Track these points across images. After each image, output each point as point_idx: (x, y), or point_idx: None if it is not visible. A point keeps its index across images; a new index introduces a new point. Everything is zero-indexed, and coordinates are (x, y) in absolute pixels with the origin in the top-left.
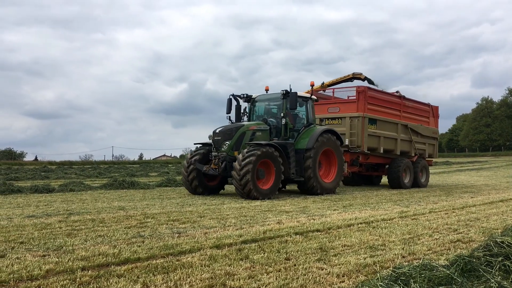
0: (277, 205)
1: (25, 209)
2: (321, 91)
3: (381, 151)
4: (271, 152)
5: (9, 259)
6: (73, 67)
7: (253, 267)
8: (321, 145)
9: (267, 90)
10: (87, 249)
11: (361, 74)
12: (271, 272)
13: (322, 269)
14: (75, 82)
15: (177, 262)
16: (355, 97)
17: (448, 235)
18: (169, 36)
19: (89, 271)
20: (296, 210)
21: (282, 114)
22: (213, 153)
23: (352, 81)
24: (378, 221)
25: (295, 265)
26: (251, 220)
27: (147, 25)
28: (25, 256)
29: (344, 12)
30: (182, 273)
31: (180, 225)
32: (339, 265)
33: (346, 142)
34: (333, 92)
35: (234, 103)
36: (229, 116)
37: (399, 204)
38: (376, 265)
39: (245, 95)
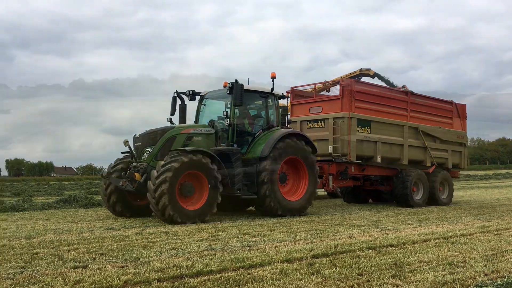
0: (348, 219)
1: (105, 222)
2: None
3: (379, 160)
4: (199, 160)
5: (90, 270)
6: (148, 85)
7: (325, 282)
8: (283, 153)
9: (225, 86)
10: (162, 261)
11: (370, 69)
12: None
13: (398, 286)
14: (150, 99)
15: (248, 276)
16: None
17: None
18: (237, 51)
19: (164, 282)
20: (368, 224)
21: (224, 113)
22: (133, 164)
23: (360, 78)
24: (457, 236)
25: (368, 281)
26: (321, 234)
27: (216, 42)
28: (105, 267)
29: (416, 20)
30: (253, 286)
31: (250, 238)
32: (415, 282)
33: (330, 149)
34: (314, 88)
35: (178, 102)
36: (171, 119)
37: (480, 219)
38: (456, 283)
39: (190, 91)
